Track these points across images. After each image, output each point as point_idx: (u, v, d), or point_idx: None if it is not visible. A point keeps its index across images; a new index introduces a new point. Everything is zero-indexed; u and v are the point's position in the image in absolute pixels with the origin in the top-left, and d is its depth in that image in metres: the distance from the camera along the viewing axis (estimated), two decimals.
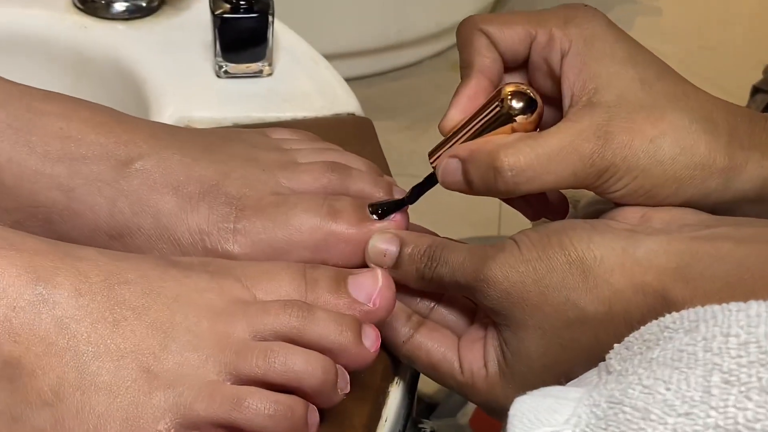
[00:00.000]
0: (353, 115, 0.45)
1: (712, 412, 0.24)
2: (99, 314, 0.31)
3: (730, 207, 0.36)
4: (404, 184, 0.38)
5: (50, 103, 0.38)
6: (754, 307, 0.26)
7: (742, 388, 0.24)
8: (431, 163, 0.36)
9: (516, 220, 0.42)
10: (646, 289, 0.31)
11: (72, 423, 0.30)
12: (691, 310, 0.27)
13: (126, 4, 0.51)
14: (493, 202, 0.48)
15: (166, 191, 0.37)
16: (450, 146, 0.35)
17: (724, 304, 0.26)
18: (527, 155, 0.33)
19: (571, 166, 0.33)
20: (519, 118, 0.33)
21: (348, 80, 0.51)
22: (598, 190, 0.34)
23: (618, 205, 0.34)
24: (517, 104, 0.32)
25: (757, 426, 0.24)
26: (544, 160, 0.32)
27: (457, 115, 0.36)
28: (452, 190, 0.36)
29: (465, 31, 0.37)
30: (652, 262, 0.31)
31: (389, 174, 0.42)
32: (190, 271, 0.33)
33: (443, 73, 1.35)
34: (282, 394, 0.30)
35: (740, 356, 0.25)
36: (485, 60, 0.36)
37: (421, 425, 0.40)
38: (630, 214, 0.34)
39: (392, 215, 0.36)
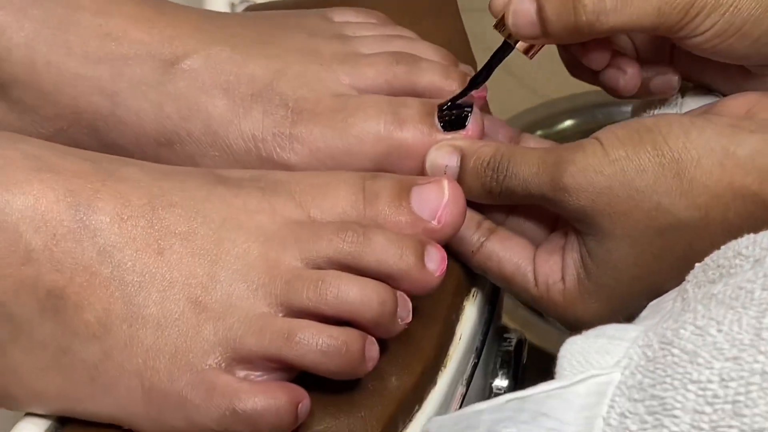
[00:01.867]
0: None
1: (761, 357, 0.25)
2: (143, 242, 0.31)
3: None
4: None
5: (112, 8, 0.39)
6: None
7: (754, 314, 0.26)
8: (496, 28, 0.37)
9: None
10: (746, 193, 0.32)
11: (120, 357, 0.30)
12: (760, 235, 0.28)
13: None
14: None
15: (215, 93, 0.37)
16: None
17: None
18: None
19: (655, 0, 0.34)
20: None
21: None
22: (685, 34, 0.35)
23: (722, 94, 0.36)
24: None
25: (762, 361, 0.25)
26: None
27: None
28: (525, 38, 0.36)
29: None
30: (756, 163, 0.32)
31: (472, 58, 0.41)
32: (239, 189, 0.33)
33: None
34: (337, 327, 0.30)
35: (762, 293, 0.26)
36: None
37: (507, 335, 0.41)
38: (735, 107, 0.34)
39: (468, 121, 0.36)
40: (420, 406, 0.33)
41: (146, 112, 0.37)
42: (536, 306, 0.36)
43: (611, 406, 0.27)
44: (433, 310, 0.34)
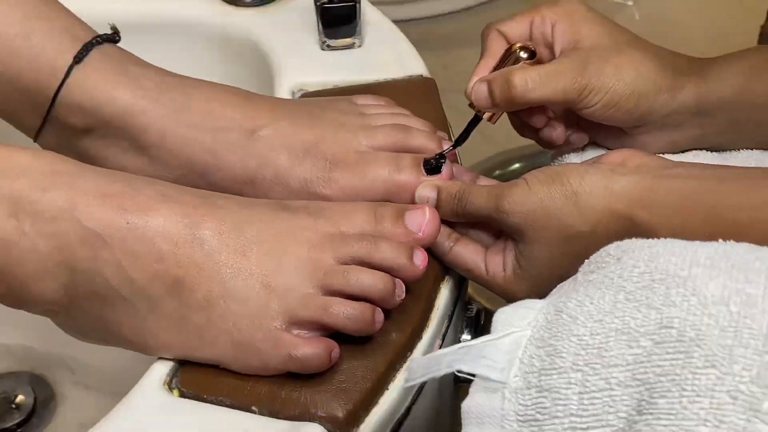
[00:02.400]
0: (421, 76, 0.48)
1: (616, 320, 0.27)
2: (233, 248, 0.33)
3: (678, 119, 0.40)
4: None
5: (198, 89, 0.41)
6: (658, 245, 0.28)
7: (636, 304, 0.27)
8: (470, 106, 0.40)
9: None
10: (619, 214, 0.33)
11: (218, 322, 0.32)
12: (622, 242, 0.29)
13: None
14: None
15: (281, 151, 0.39)
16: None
17: (641, 240, 0.29)
18: (531, 73, 0.38)
19: (561, 83, 0.38)
20: (523, 63, 0.39)
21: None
22: (581, 105, 0.38)
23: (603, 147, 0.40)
24: (522, 53, 0.39)
25: (641, 329, 0.26)
26: (543, 77, 0.38)
27: (478, 77, 0.40)
28: (484, 109, 0.40)
29: (484, 31, 0.42)
30: (624, 195, 0.33)
31: (447, 126, 0.45)
32: (295, 214, 0.35)
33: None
34: (356, 302, 0.33)
35: (638, 282, 0.27)
36: (496, 47, 0.40)
37: (469, 306, 0.43)
38: (614, 158, 0.36)
39: (443, 169, 0.38)
40: (411, 353, 0.35)
41: (236, 163, 0.39)
42: (487, 288, 0.39)
43: (524, 351, 0.28)
44: (420, 290, 0.36)
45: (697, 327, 0.25)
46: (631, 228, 0.33)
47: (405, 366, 0.34)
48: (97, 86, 0.38)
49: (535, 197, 0.35)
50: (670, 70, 0.39)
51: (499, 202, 0.35)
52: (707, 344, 0.25)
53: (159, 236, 0.32)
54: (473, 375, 0.29)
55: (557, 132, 0.42)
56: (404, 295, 0.34)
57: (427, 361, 0.31)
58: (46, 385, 0.55)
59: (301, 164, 0.39)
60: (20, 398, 0.53)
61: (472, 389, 0.29)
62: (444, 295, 0.37)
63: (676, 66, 0.39)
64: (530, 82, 0.37)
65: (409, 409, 0.34)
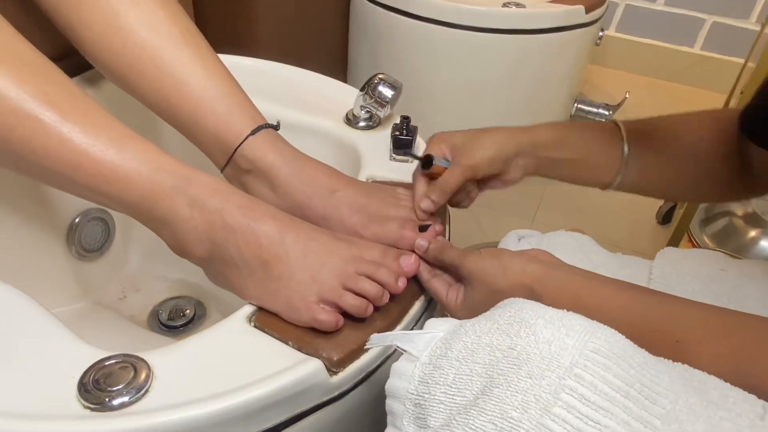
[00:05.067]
0: None
1: (486, 338, 0.34)
2: (300, 251, 0.47)
3: (519, 160, 0.55)
4: None
5: (311, 162, 0.56)
6: (527, 304, 0.34)
7: (500, 332, 0.33)
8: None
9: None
10: (525, 285, 0.43)
11: (282, 289, 0.46)
12: (512, 299, 0.37)
13: (363, 123, 0.74)
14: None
15: (345, 206, 0.54)
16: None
17: (519, 300, 0.36)
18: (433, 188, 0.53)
19: (459, 177, 0.53)
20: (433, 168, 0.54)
21: None
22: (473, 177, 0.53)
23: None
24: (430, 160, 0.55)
25: (498, 346, 0.32)
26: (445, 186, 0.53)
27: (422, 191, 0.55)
28: (427, 214, 0.54)
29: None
30: (530, 275, 0.43)
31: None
32: (339, 242, 0.49)
33: None
34: (359, 297, 0.47)
35: (506, 321, 0.34)
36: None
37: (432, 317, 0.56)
38: (531, 253, 0.46)
39: (429, 230, 0.53)
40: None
41: (319, 207, 0.54)
42: (445, 309, 0.49)
43: (435, 343, 0.36)
44: (401, 300, 0.52)
45: (528, 353, 0.31)
46: (530, 293, 0.41)
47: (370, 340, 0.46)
48: (258, 149, 0.53)
49: (482, 263, 0.44)
50: (516, 137, 0.53)
51: (461, 260, 0.46)
52: (531, 364, 0.30)
53: (262, 235, 0.45)
54: (404, 350, 0.37)
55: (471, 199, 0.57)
56: (388, 299, 0.49)
57: (379, 337, 0.41)
58: (202, 307, 0.80)
59: (354, 215, 0.52)
60: (187, 311, 0.78)
61: (401, 358, 0.37)
62: (416, 307, 0.52)
63: (517, 133, 0.54)
64: (437, 192, 0.53)
65: (375, 369, 0.49)
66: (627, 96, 1.47)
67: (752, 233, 1.06)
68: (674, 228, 1.06)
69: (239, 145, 0.55)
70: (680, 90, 1.68)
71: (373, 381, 0.50)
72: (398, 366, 0.37)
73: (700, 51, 1.92)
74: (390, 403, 0.37)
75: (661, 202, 1.36)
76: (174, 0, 0.58)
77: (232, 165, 0.56)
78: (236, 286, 0.48)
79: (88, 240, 0.79)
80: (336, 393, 0.48)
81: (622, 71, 1.81)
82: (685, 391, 0.31)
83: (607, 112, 1.47)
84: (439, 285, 0.50)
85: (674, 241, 1.07)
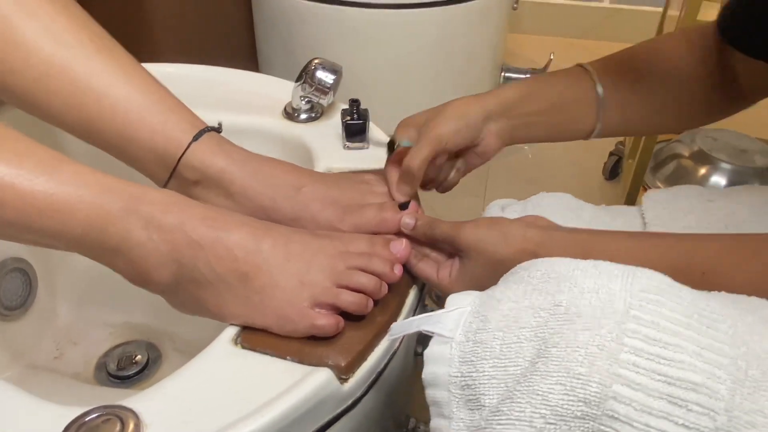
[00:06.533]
0: None
1: (525, 301, 0.35)
2: (281, 256, 0.45)
3: (492, 125, 0.55)
4: None
5: (267, 161, 0.55)
6: (553, 260, 0.37)
7: (537, 292, 0.34)
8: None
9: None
10: (528, 251, 0.43)
11: (268, 301, 0.45)
12: (528, 261, 0.38)
13: (305, 115, 0.74)
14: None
15: (315, 202, 0.53)
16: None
17: (541, 258, 0.37)
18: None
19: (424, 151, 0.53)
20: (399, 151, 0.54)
21: None
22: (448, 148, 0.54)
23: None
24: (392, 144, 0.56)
25: (541, 306, 0.33)
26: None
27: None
28: (407, 197, 0.54)
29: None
30: (532, 240, 0.44)
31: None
32: (321, 238, 0.49)
33: None
34: (356, 293, 0.46)
35: (539, 279, 0.35)
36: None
37: (425, 304, 0.57)
38: (527, 219, 0.47)
39: (410, 206, 0.53)
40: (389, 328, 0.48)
41: (286, 207, 0.53)
42: (437, 288, 0.49)
43: (466, 319, 0.37)
44: (396, 291, 0.51)
45: (577, 305, 0.32)
46: (534, 259, 0.39)
47: (386, 335, 0.47)
48: (204, 155, 0.52)
49: (480, 233, 0.45)
50: (474, 99, 0.54)
51: (456, 232, 0.46)
52: (584, 316, 0.31)
53: (235, 246, 0.43)
54: (432, 333, 0.37)
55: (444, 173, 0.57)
56: (387, 291, 0.48)
57: (402, 324, 0.40)
58: (155, 349, 0.76)
59: (327, 210, 0.52)
60: (138, 357, 0.74)
61: (431, 342, 0.38)
62: (411, 295, 0.52)
63: (478, 96, 0.55)
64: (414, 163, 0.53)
65: (386, 366, 0.49)
66: (551, 57, 1.53)
67: (702, 171, 1.13)
68: (631, 179, 1.11)
69: (182, 155, 0.52)
70: (597, 46, 1.77)
71: (383, 383, 0.50)
72: (432, 352, 0.37)
73: (609, 5, 2.03)
74: (432, 393, 0.37)
75: (605, 158, 1.42)
76: (74, 3, 0.54)
77: (176, 178, 0.53)
78: (213, 308, 0.46)
79: (7, 296, 0.73)
80: (350, 401, 0.47)
81: (539, 35, 1.89)
82: (739, 314, 0.32)
83: None
84: (427, 267, 0.50)
85: (633, 192, 1.12)
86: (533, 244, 0.43)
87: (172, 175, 0.53)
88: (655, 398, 0.28)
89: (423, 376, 0.38)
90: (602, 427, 0.29)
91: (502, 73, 1.52)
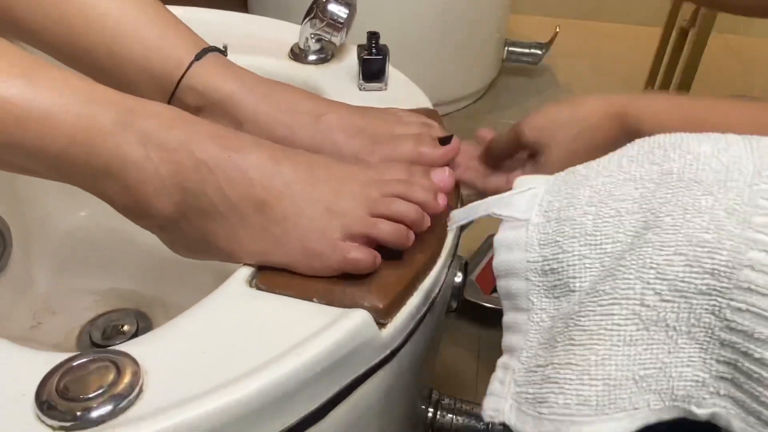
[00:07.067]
0: (427, 108, 0.60)
1: (622, 173, 0.33)
2: (305, 181, 0.40)
3: None
4: None
5: (280, 85, 0.50)
6: (649, 137, 0.34)
7: (639, 163, 0.32)
8: None
9: None
10: (612, 114, 0.41)
11: (292, 232, 0.39)
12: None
13: (315, 56, 0.68)
14: None
15: (338, 131, 0.48)
16: None
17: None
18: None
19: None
20: None
21: None
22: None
23: None
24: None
25: (645, 177, 0.31)
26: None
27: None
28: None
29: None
30: (617, 101, 0.42)
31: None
32: (351, 165, 0.44)
33: None
34: (395, 223, 0.41)
35: (639, 150, 0.33)
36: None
37: (460, 257, 0.53)
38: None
39: (452, 141, 0.49)
40: (429, 271, 0.43)
41: (306, 137, 0.48)
42: None
43: (542, 199, 0.35)
44: (435, 230, 0.44)
45: (694, 171, 0.30)
46: (622, 125, 0.40)
47: (427, 276, 0.42)
48: (209, 77, 0.47)
49: (546, 116, 0.44)
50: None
51: (518, 128, 0.45)
52: (703, 181, 0.29)
53: (251, 168, 0.38)
54: (504, 216, 0.36)
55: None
56: (429, 223, 0.42)
57: (466, 210, 0.39)
58: (146, 318, 0.67)
59: (352, 140, 0.48)
60: (126, 327, 0.66)
61: (502, 227, 0.36)
62: (450, 237, 0.47)
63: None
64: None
65: (423, 317, 0.43)
66: (557, 30, 1.48)
67: None
68: None
69: (183, 75, 0.47)
70: (600, 27, 1.73)
71: (420, 336, 0.44)
72: (503, 237, 0.35)
73: None
74: (505, 284, 0.35)
75: None
76: None
77: (175, 103, 0.47)
78: (223, 245, 0.40)
79: None
80: (387, 351, 0.40)
81: (541, 17, 1.85)
82: None
83: (540, 51, 1.48)
84: (495, 179, 0.48)
85: None
86: (618, 106, 0.41)
87: (170, 100, 0.48)
88: None
89: (494, 264, 0.35)
90: (733, 303, 0.26)
91: (506, 48, 1.48)
